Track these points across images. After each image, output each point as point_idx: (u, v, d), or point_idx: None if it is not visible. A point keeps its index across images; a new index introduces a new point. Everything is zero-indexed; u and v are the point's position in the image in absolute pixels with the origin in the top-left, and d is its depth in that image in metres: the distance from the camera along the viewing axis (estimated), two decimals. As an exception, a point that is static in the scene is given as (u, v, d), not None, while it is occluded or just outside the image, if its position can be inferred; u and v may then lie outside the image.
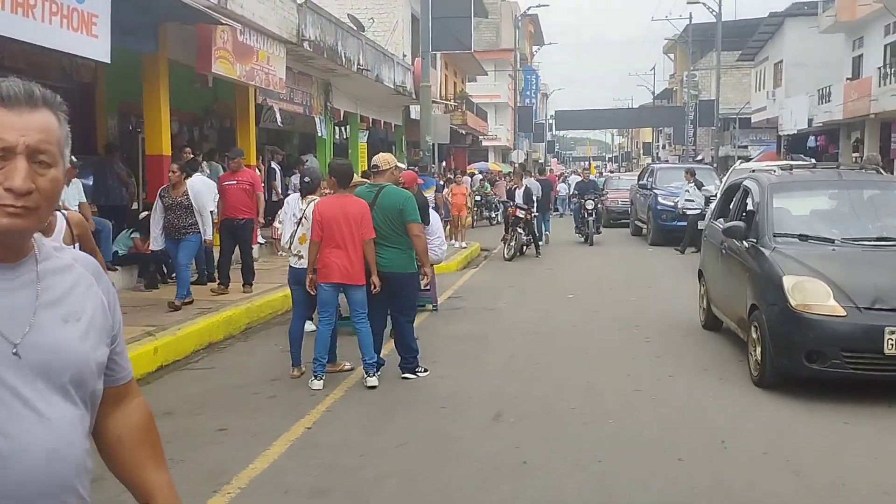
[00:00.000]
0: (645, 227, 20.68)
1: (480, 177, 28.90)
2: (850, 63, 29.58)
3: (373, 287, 6.82)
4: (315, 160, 19.50)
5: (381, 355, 7.16)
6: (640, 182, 21.32)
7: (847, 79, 28.45)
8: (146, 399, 1.78)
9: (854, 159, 26.30)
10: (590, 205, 19.55)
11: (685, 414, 5.93)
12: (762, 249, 6.90)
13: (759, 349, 6.53)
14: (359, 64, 18.64)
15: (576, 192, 21.14)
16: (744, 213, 7.91)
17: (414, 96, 24.02)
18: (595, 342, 8.50)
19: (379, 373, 7.06)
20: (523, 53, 54.12)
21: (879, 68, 24.74)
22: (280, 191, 16.58)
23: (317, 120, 18.60)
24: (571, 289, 12.51)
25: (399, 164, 8.12)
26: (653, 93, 67.33)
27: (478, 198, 26.00)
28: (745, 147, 45.47)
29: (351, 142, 21.93)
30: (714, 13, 37.95)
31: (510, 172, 20.21)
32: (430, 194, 18.67)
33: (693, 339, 8.55)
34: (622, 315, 10.09)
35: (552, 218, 23.33)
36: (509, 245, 16.77)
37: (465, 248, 17.71)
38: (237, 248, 10.75)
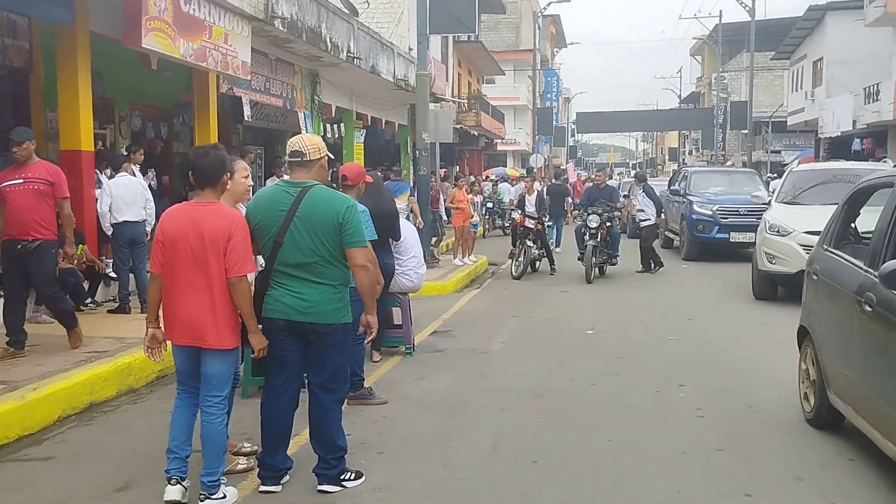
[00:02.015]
0: (677, 238, 17.88)
1: (493, 180, 26.19)
2: (900, 58, 26.65)
3: (257, 351, 4.22)
4: (300, 161, 16.96)
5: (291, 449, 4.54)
6: (672, 188, 18.54)
7: (898, 75, 25.53)
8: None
9: (908, 163, 23.31)
10: (593, 221, 13.40)
11: None
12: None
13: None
14: (349, 52, 16.06)
15: (581, 202, 14.97)
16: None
17: (419, 92, 21.40)
18: (623, 419, 5.76)
19: (286, 479, 4.45)
20: (544, 55, 51.41)
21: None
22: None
23: (301, 115, 16.05)
24: (590, 320, 9.79)
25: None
26: (679, 96, 64.27)
27: (489, 204, 23.27)
28: (778, 152, 42.50)
29: (345, 142, 19.35)
30: (748, 8, 35.03)
31: (522, 176, 17.33)
32: (401, 202, 15.97)
33: (777, 424, 5.72)
34: (658, 366, 7.37)
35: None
36: (517, 261, 14.08)
37: (469, 264, 15.04)
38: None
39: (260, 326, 4.30)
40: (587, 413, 5.89)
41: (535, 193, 15.05)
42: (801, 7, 33.99)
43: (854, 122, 28.22)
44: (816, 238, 10.71)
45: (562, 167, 50.44)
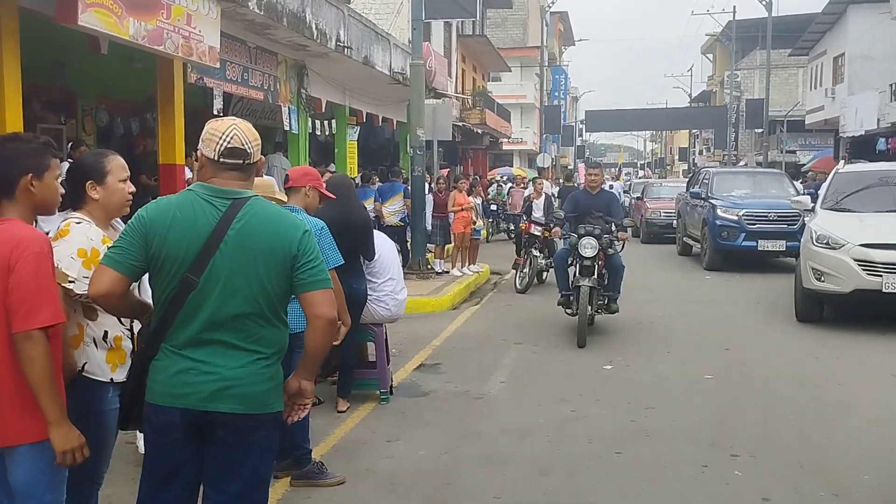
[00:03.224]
0: (697, 245, 16.20)
1: (497, 181, 24.52)
2: (929, 53, 24.92)
3: (59, 456, 2.62)
4: (285, 160, 15.38)
5: None
6: (692, 190, 16.85)
7: (928, 71, 23.79)
8: None
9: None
10: (588, 248, 8.42)
11: None
12: None
13: None
14: (338, 41, 14.44)
15: (566, 215, 9.27)
16: None
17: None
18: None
19: None
20: (552, 53, 49.69)
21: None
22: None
23: (285, 110, 14.43)
24: (606, 349, 8.15)
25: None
26: (690, 95, 62.42)
27: (494, 207, 21.58)
28: (794, 152, 40.68)
29: (338, 140, 17.71)
30: (765, 2, 33.26)
31: (534, 178, 15.55)
32: (394, 204, 14.33)
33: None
34: (699, 422, 5.73)
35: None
36: (522, 272, 12.44)
37: (469, 275, 13.41)
38: None
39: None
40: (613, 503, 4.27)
41: (543, 197, 13.40)
42: (816, 4, 32.30)
43: (878, 120, 26.50)
44: (875, 252, 9.21)
45: (570, 167, 48.78)
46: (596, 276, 8.42)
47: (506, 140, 36.13)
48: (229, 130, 2.77)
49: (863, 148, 28.34)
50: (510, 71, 37.95)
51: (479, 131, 26.96)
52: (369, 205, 14.35)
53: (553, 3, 37.88)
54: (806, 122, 35.81)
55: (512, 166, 40.60)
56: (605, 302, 8.75)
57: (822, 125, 33.72)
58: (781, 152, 38.99)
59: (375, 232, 6.33)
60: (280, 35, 13.05)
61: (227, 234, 2.69)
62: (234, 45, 12.38)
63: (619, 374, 7.13)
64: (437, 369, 7.39)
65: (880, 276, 8.67)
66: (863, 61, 29.34)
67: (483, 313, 10.60)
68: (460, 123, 25.09)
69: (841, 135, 30.59)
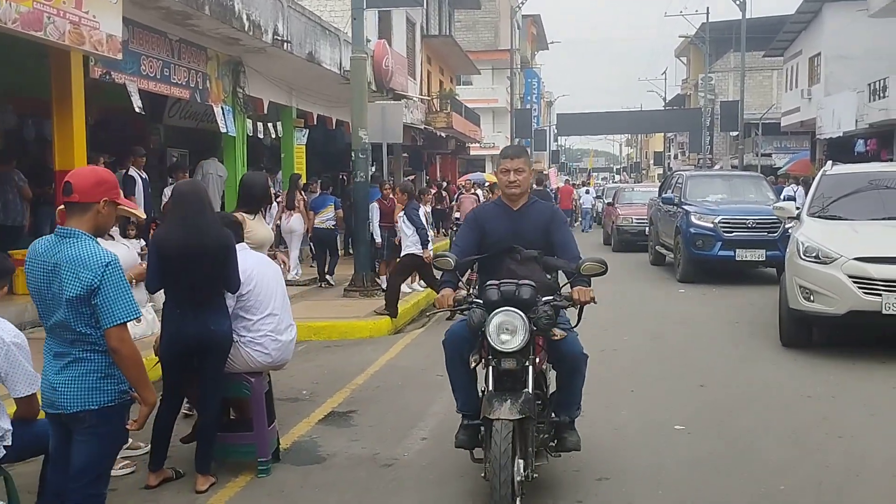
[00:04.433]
0: (671, 254, 14.86)
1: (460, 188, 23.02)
2: (908, 51, 23.85)
3: None
4: (221, 166, 13.88)
5: None
6: (664, 195, 15.51)
7: (907, 70, 22.70)
8: None
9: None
10: (507, 336, 3.94)
11: None
12: None
13: None
14: (276, 34, 12.99)
15: (458, 258, 4.42)
16: None
17: (375, 88, 18.37)
18: None
19: None
20: (524, 56, 48.45)
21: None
22: (141, 205, 10.84)
23: (218, 110, 12.94)
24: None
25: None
26: (664, 99, 61.33)
27: (456, 215, 20.10)
28: (769, 155, 39.65)
29: (284, 144, 16.26)
30: (738, 2, 32.11)
31: (493, 184, 14.03)
32: (324, 216, 12.82)
33: None
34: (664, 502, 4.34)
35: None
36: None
37: (420, 290, 11.98)
38: None
39: None
40: None
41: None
42: (790, 5, 31.19)
43: (856, 121, 25.38)
44: (873, 266, 7.87)
45: (544, 172, 47.47)
46: (530, 391, 4.00)
47: (475, 145, 34.74)
48: None
49: (841, 150, 27.20)
50: (479, 73, 36.63)
51: (443, 135, 25.54)
52: (329, 213, 12.94)
53: (522, 3, 36.53)
54: (782, 125, 34.75)
55: (484, 171, 39.27)
56: (553, 436, 4.43)
57: (798, 127, 32.64)
58: (757, 155, 37.94)
59: (250, 253, 4.89)
60: (205, 26, 11.57)
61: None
62: (150, 37, 10.91)
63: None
64: (349, 420, 5.94)
65: (879, 295, 7.32)
66: (839, 61, 28.24)
67: (426, 339, 9.15)
68: (422, 126, 23.67)
69: (818, 137, 29.49)
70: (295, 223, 12.95)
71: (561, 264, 4.37)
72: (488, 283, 4.12)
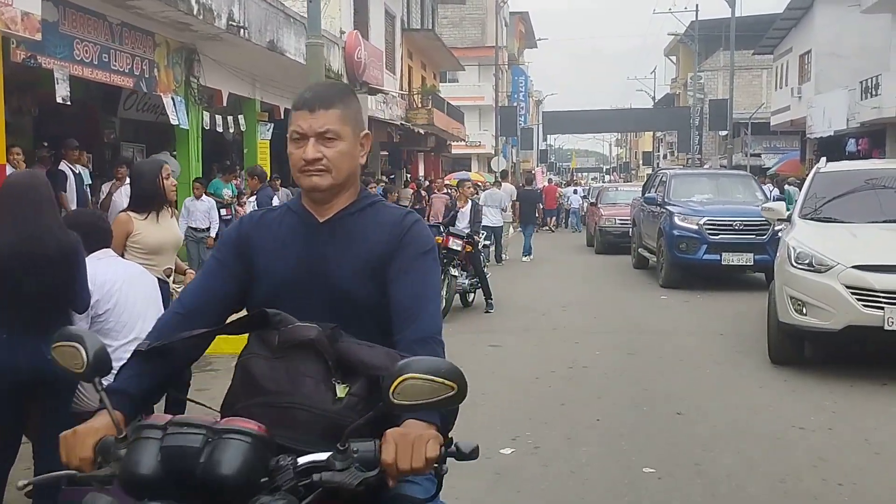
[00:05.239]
0: (654, 258, 13.96)
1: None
2: (901, 48, 23.02)
3: None
4: (174, 161, 12.88)
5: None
6: (647, 195, 14.60)
7: (901, 67, 21.89)
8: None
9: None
10: None
11: None
12: None
13: None
14: (231, 19, 12.01)
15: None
16: None
17: (347, 81, 17.41)
18: None
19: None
20: (511, 53, 47.54)
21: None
22: (74, 203, 9.86)
23: (167, 102, 11.95)
24: (518, 413, 5.82)
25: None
26: (653, 98, 60.45)
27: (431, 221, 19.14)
28: (758, 155, 38.84)
29: (247, 138, 15.29)
30: (727, -2, 31.24)
31: (460, 182, 12.93)
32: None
33: None
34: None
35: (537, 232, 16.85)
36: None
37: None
38: None
39: None
40: None
41: (470, 205, 11.08)
42: (780, 4, 30.41)
43: (847, 120, 24.57)
44: (874, 276, 6.92)
45: (532, 172, 46.51)
46: None
47: (458, 143, 33.79)
48: None
49: (831, 149, 26.36)
50: (463, 70, 35.66)
51: (422, 132, 24.58)
52: None
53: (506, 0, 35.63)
54: (771, 124, 33.96)
55: (470, 170, 38.35)
56: None
57: (789, 126, 31.82)
58: (746, 155, 37.12)
59: (114, 263, 3.94)
60: (149, 9, 10.59)
61: None
62: (85, 20, 9.92)
63: (522, 467, 4.76)
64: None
65: (881, 308, 6.41)
66: (830, 58, 27.42)
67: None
68: (399, 123, 22.71)
69: (808, 136, 28.68)
70: None
71: (368, 360, 1.78)
72: (145, 424, 1.64)
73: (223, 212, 13.34)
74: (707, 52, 47.39)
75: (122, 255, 4.63)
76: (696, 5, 39.40)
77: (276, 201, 9.49)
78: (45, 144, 10.97)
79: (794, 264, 6.94)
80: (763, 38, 33.09)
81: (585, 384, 6.71)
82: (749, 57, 40.74)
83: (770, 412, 5.87)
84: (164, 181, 4.84)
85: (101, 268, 3.79)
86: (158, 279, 4.73)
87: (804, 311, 6.79)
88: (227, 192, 13.40)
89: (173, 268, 5.01)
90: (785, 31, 31.27)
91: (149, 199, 4.74)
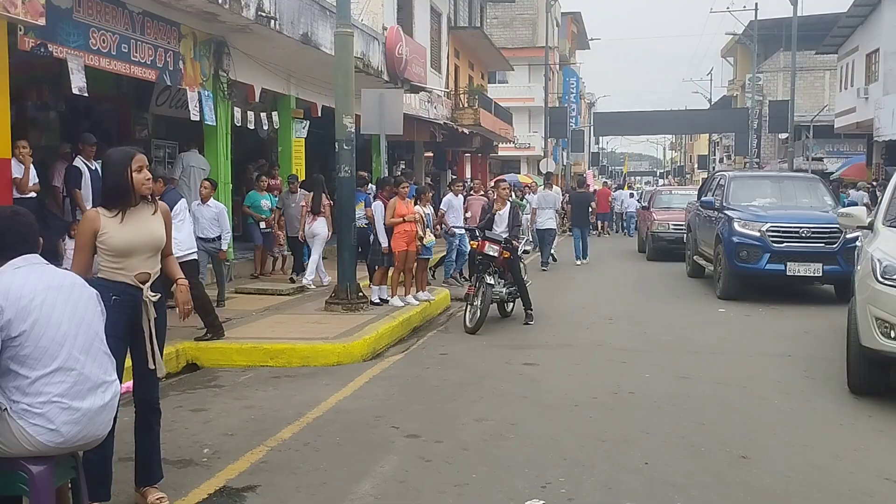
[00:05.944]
0: (710, 266, 12.87)
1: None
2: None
3: None
4: (202, 158, 12.26)
5: None
6: (703, 199, 13.51)
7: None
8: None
9: None
10: None
11: None
12: None
13: None
14: (259, 9, 11.32)
15: None
16: None
17: (386, 78, 16.68)
18: None
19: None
20: (563, 54, 46.40)
21: None
22: (90, 200, 9.21)
23: (192, 96, 11.31)
24: (546, 461, 4.92)
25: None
26: (709, 101, 58.66)
27: (467, 215, 18.17)
28: (821, 159, 37.06)
29: (281, 136, 14.61)
30: (790, -4, 29.76)
31: (497, 182, 12.00)
32: (360, 210, 11.25)
33: None
34: None
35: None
36: (472, 305, 9.22)
37: (414, 304, 10.22)
38: None
39: None
40: None
41: (508, 207, 10.19)
42: (843, 4, 28.76)
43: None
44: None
45: (583, 174, 45.33)
46: None
47: (505, 144, 32.84)
48: None
49: (900, 153, 24.90)
50: (512, 70, 34.70)
51: (466, 132, 23.72)
52: (360, 210, 11.15)
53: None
54: (835, 126, 32.27)
55: (519, 172, 37.39)
56: None
57: (854, 129, 30.19)
58: (807, 159, 35.42)
59: (36, 271, 3.16)
60: (172, -3, 9.98)
61: None
62: (102, 7, 9.28)
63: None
64: (243, 500, 4.18)
65: None
66: (900, 57, 25.86)
67: (397, 370, 7.36)
68: (442, 122, 21.89)
69: (875, 139, 27.06)
70: (318, 227, 11.64)
71: None
72: None
73: (262, 225, 12.54)
74: (766, 53, 45.61)
75: (92, 258, 3.96)
76: (756, 4, 37.78)
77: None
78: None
79: (881, 280, 5.91)
80: (826, 38, 31.49)
81: (631, 415, 5.77)
82: (811, 57, 39.03)
83: (853, 458, 4.87)
84: (135, 174, 4.08)
85: (19, 278, 3.02)
86: (131, 286, 3.99)
87: (892, 334, 5.76)
88: (265, 204, 12.67)
89: (151, 273, 4.19)
90: (850, 30, 29.66)
91: (116, 194, 4.00)
